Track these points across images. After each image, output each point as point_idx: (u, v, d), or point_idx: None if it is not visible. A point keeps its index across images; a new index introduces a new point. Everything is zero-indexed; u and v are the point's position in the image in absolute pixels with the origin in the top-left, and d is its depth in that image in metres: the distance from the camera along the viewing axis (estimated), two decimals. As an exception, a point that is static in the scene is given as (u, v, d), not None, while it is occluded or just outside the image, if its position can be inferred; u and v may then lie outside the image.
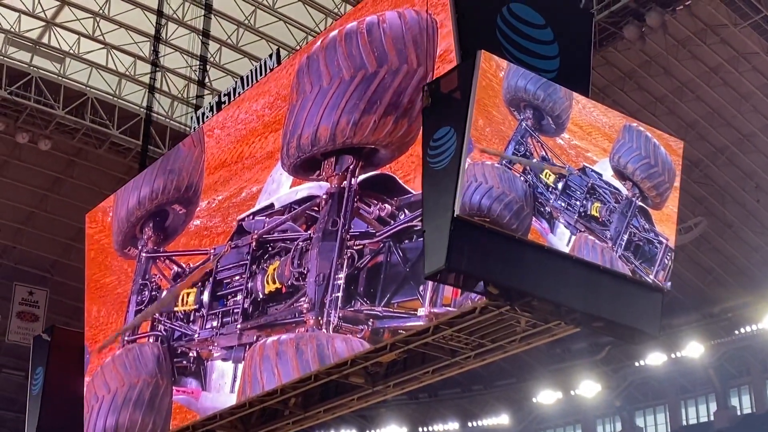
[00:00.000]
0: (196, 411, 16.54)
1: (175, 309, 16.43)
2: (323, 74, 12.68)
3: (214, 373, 15.92)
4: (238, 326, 15.11)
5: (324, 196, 12.97)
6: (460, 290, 12.03)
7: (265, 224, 14.36)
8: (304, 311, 13.69)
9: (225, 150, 15.82)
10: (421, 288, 12.03)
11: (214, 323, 15.72)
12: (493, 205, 10.52)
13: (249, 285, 14.94)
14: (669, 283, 12.52)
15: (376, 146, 12.27)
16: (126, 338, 17.99)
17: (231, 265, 15.30)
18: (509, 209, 10.70)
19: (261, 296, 14.73)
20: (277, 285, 14.36)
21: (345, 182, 12.60)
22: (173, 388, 16.72)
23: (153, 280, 17.50)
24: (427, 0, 11.69)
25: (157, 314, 16.77)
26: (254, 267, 14.64)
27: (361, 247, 12.68)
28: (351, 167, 12.47)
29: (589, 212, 12.34)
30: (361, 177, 12.66)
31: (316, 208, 13.41)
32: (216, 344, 15.66)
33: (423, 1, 12.26)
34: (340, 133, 12.27)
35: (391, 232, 12.31)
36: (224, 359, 15.64)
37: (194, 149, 16.35)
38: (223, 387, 15.24)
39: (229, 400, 15.69)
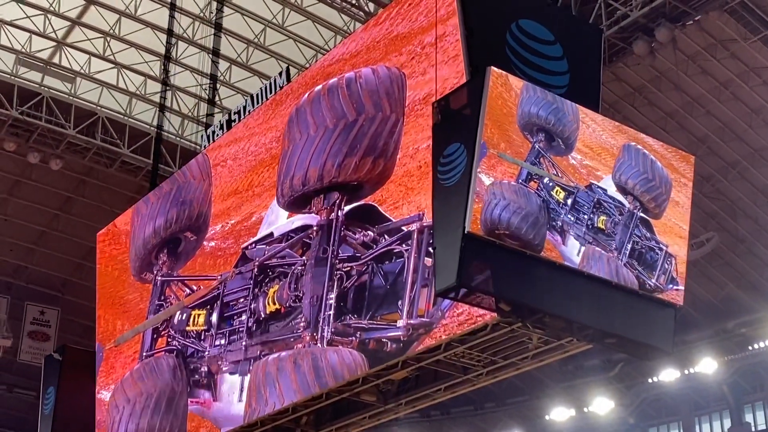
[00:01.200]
0: (209, 419, 17.33)
1: (188, 328, 17.59)
2: (310, 124, 14.56)
3: (224, 385, 16.92)
4: (244, 343, 16.37)
5: (315, 227, 14.63)
6: (432, 303, 13.13)
7: (266, 252, 15.91)
8: (301, 329, 15.06)
9: (237, 179, 17.44)
10: (399, 302, 13.47)
11: (222, 341, 16.90)
12: (512, 218, 11.58)
13: (252, 306, 16.28)
14: (672, 286, 12.91)
15: (359, 182, 14.10)
16: (144, 353, 18.78)
17: (236, 289, 16.74)
18: (526, 221, 11.70)
19: (263, 316, 16.05)
20: (277, 306, 15.75)
21: (333, 214, 14.34)
22: (188, 398, 17.65)
23: (168, 300, 18.67)
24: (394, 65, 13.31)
25: (171, 331, 17.99)
26: (256, 290, 16.12)
27: (348, 269, 14.30)
28: (337, 201, 14.26)
29: (596, 225, 12.74)
30: (347, 208, 14.36)
31: (310, 236, 15.01)
32: (224, 360, 16.91)
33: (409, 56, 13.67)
34: (326, 174, 14.18)
35: (374, 255, 13.92)
36: (232, 372, 16.73)
37: (203, 182, 18.00)
38: (232, 397, 16.52)
39: (238, 409, 16.51)
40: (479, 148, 11.86)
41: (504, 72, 12.16)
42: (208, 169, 17.92)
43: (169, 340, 18.31)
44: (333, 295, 14.36)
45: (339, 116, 14.18)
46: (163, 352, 18.21)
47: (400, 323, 13.45)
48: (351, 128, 13.88)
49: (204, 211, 17.56)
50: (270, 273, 15.83)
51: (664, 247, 12.92)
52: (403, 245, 13.38)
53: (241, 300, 16.53)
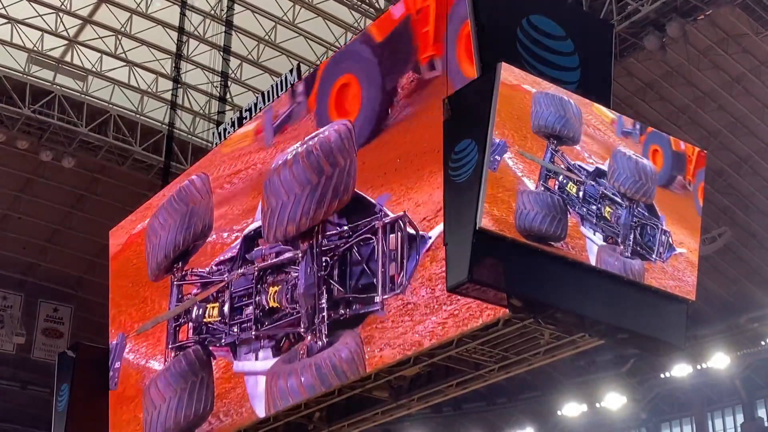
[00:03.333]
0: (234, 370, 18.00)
1: (206, 320, 18.47)
2: (281, 192, 16.47)
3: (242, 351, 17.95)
4: (253, 333, 17.27)
5: (300, 254, 16.21)
6: (399, 273, 14.22)
7: (263, 254, 17.26)
8: (302, 332, 16.00)
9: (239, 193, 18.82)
10: (374, 279, 14.67)
11: (235, 329, 17.73)
12: (541, 224, 12.39)
13: (257, 299, 17.29)
14: (671, 253, 13.35)
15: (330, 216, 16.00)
16: (171, 346, 19.41)
17: (241, 289, 17.75)
18: (553, 223, 12.52)
19: (267, 308, 16.98)
20: (278, 305, 16.66)
21: (313, 241, 16.00)
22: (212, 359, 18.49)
23: (185, 298, 19.48)
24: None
25: (192, 324, 18.91)
26: (259, 287, 17.29)
27: (334, 252, 15.62)
28: (316, 232, 16.05)
29: (603, 215, 12.96)
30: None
31: (296, 260, 16.58)
32: (240, 347, 17.81)
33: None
34: (302, 225, 16.08)
35: (348, 245, 15.33)
36: (246, 352, 17.62)
37: (207, 199, 19.38)
38: (251, 359, 17.59)
39: (257, 367, 17.16)
40: (490, 144, 11.89)
41: (515, 78, 12.28)
42: (208, 188, 19.42)
43: (190, 332, 18.90)
44: (324, 300, 15.52)
45: (305, 182, 16.03)
46: (190, 344, 18.85)
47: (377, 299, 14.49)
48: (317, 188, 15.82)
49: (208, 222, 19.07)
50: (268, 276, 17.09)
51: (660, 225, 13.27)
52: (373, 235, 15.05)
53: (246, 298, 17.59)
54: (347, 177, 15.45)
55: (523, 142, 12.26)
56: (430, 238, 13.84)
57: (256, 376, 17.06)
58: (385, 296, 14.34)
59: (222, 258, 18.37)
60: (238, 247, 17.95)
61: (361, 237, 15.03)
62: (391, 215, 14.51)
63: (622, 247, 12.91)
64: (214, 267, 18.53)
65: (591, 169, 12.90)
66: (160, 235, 20.03)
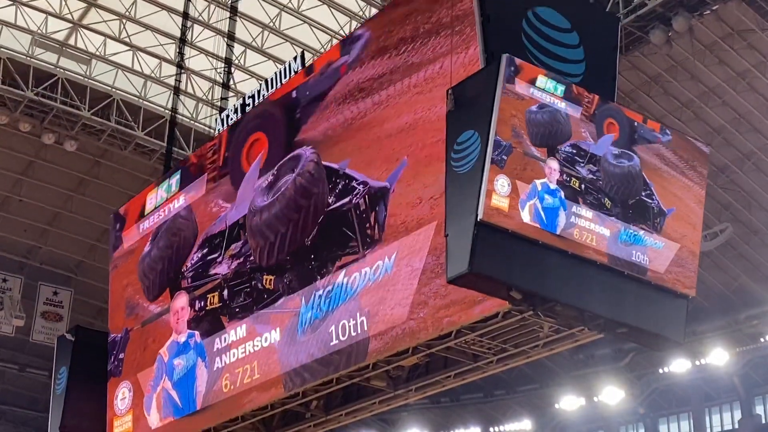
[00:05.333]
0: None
1: (208, 308, 18.50)
2: (267, 233, 17.24)
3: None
4: (254, 312, 17.52)
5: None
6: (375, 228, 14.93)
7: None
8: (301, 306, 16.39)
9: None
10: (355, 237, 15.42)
11: (237, 310, 17.83)
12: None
13: (253, 283, 17.57)
14: (662, 218, 13.23)
15: None
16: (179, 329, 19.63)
17: (238, 281, 17.98)
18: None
19: (264, 289, 17.32)
20: (273, 288, 17.02)
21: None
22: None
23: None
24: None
25: (197, 313, 19.07)
26: (255, 275, 17.59)
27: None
28: None
29: (604, 204, 12.93)
30: None
31: None
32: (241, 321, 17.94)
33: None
34: (291, 248, 16.91)
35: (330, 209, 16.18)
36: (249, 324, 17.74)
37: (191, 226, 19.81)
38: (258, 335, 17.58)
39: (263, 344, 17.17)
40: (493, 136, 11.86)
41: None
42: (189, 213, 19.89)
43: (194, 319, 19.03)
44: (321, 285, 15.87)
45: (287, 222, 16.73)
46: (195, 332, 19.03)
47: (358, 251, 15.23)
48: (298, 222, 16.51)
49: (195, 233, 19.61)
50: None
51: (655, 197, 13.29)
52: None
53: (244, 286, 17.83)
54: (322, 198, 16.12)
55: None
56: (388, 185, 14.77)
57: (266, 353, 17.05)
58: (366, 250, 14.98)
59: (209, 234, 18.77)
60: (222, 227, 18.45)
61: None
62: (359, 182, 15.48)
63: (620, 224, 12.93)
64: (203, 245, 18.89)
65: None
66: (151, 278, 20.42)
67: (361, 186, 15.42)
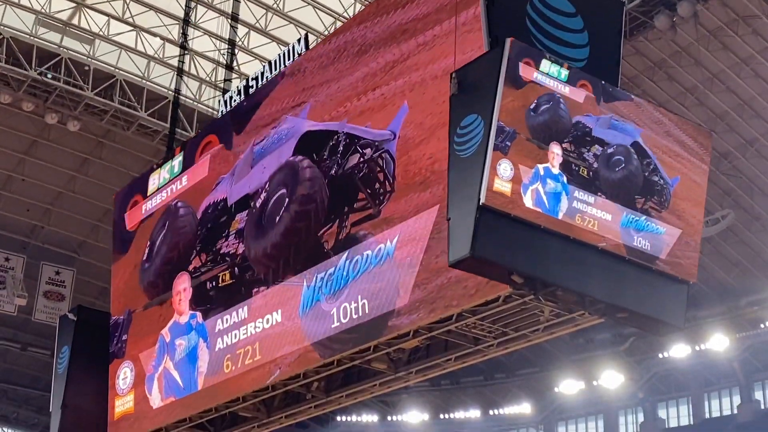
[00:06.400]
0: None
1: (220, 285, 18.45)
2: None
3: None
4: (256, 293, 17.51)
5: None
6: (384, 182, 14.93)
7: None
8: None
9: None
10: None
11: (240, 291, 17.87)
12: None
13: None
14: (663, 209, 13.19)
15: None
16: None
17: (241, 262, 18.04)
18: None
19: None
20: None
21: None
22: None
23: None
24: None
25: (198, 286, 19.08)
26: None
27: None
28: None
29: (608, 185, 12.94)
30: None
31: None
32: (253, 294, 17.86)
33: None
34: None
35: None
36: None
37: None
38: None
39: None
40: (496, 120, 11.87)
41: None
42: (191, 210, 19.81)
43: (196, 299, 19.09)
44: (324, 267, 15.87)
45: (288, 247, 16.70)
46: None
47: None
48: (300, 242, 16.50)
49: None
50: None
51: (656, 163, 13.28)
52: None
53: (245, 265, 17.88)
54: (322, 193, 16.12)
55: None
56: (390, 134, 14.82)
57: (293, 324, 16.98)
58: (381, 205, 15.00)
59: (211, 201, 18.89)
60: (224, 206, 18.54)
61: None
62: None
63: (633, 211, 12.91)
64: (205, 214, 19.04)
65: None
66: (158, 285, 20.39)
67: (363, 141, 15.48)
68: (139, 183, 21.64)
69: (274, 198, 17.04)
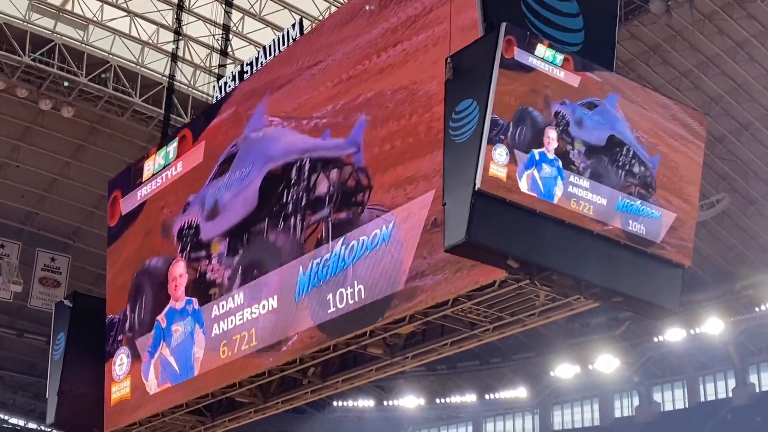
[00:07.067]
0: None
1: (211, 252, 18.57)
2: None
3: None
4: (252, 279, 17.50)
5: None
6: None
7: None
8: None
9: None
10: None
11: (235, 277, 17.94)
12: None
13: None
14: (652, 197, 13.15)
15: None
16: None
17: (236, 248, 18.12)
18: None
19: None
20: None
21: None
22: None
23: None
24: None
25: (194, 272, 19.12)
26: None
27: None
28: None
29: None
30: None
31: None
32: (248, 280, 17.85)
33: None
34: None
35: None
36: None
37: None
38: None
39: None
40: (492, 105, 11.85)
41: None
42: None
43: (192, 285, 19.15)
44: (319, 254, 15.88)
45: (270, 260, 16.96)
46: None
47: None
48: (281, 251, 16.68)
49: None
50: None
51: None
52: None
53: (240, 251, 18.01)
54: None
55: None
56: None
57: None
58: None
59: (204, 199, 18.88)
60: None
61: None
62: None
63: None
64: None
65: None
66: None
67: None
68: (134, 169, 21.58)
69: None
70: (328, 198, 15.87)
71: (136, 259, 20.60)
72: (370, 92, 15.53)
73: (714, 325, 34.86)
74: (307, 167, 16.46)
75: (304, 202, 16.36)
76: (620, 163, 12.95)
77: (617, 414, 42.71)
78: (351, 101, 15.90)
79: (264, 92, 18.13)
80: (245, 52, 31.61)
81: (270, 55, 18.37)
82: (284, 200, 16.80)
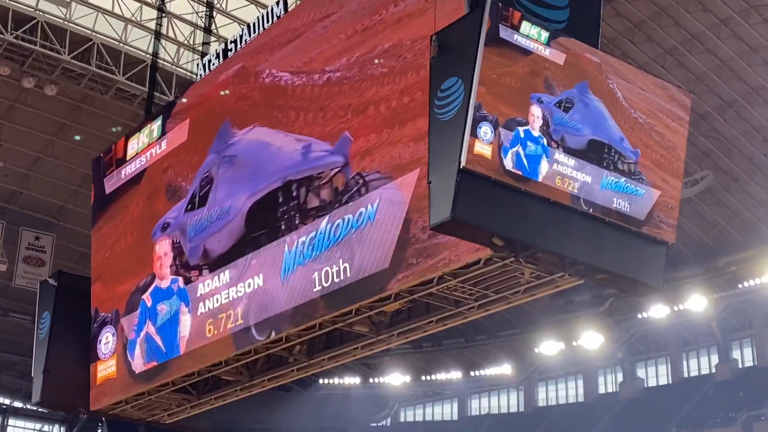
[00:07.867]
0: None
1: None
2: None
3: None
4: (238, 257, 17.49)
5: None
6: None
7: None
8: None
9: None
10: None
11: (221, 255, 17.92)
12: None
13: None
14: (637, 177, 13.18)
15: None
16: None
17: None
18: None
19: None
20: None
21: None
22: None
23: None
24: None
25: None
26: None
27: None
28: None
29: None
30: None
31: None
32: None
33: None
34: None
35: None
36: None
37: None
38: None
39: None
40: (477, 83, 11.84)
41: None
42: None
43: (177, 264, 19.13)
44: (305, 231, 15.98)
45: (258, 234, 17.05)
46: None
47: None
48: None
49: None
50: None
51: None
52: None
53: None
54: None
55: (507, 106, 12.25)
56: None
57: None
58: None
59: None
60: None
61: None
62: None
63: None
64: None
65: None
66: None
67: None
68: (118, 148, 21.48)
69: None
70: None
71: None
72: (387, 43, 15.11)
73: (697, 302, 35.09)
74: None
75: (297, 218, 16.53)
76: (604, 164, 12.97)
77: (601, 390, 43.03)
78: (367, 53, 15.46)
79: (273, 47, 17.68)
80: (229, 30, 31.42)
81: (254, 32, 18.28)
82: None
